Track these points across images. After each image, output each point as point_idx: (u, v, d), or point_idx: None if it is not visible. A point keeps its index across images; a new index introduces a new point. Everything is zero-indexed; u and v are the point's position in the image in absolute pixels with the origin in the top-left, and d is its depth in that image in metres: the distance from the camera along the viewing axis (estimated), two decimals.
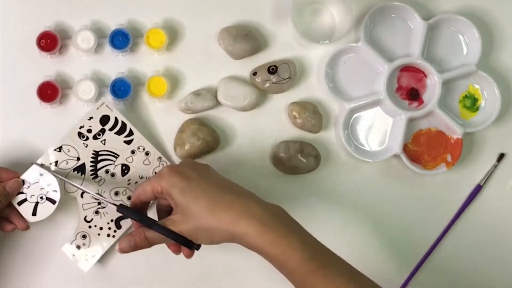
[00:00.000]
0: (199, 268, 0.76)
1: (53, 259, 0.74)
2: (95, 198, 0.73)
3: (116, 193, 0.75)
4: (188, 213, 0.61)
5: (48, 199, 0.70)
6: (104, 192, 0.74)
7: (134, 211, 0.67)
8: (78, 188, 0.71)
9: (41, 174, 0.71)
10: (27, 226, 0.70)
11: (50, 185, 0.71)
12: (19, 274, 0.74)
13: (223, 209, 0.60)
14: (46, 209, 0.70)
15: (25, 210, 0.70)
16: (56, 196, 0.71)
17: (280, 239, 0.59)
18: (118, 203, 0.67)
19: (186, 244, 0.63)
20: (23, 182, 0.70)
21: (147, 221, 0.65)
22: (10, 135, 0.75)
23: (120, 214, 0.74)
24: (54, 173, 0.71)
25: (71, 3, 0.77)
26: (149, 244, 0.64)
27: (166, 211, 0.67)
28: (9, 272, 0.74)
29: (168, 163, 0.76)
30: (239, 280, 0.77)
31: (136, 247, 0.63)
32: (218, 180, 0.65)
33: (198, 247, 0.65)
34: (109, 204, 0.69)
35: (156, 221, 0.64)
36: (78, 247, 0.73)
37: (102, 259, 0.74)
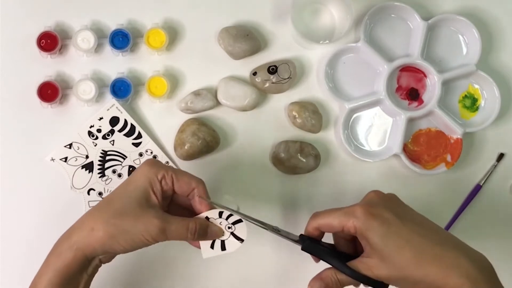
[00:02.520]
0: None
1: None
2: (281, 234, 0.64)
3: None
4: (388, 260, 0.58)
5: (234, 235, 0.64)
6: (110, 191, 0.75)
7: (324, 250, 0.62)
8: (259, 225, 0.64)
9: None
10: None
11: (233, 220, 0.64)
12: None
13: (431, 263, 0.57)
14: (232, 244, 0.64)
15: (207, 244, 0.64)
16: (243, 234, 0.64)
17: None
18: (299, 236, 0.62)
19: (379, 287, 0.59)
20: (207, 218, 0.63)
21: (340, 264, 0.60)
22: (10, 135, 0.75)
23: None
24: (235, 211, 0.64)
25: (71, 3, 0.77)
26: (341, 287, 0.61)
27: (346, 240, 0.64)
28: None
29: (175, 168, 0.76)
30: None
31: None
32: (416, 223, 0.60)
33: (386, 286, 0.61)
34: (289, 240, 0.63)
35: (344, 259, 0.60)
36: None
37: None
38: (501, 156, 0.80)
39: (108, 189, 0.75)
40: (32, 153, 0.75)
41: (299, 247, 0.63)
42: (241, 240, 0.63)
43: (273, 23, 0.79)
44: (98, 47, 0.76)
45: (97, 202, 0.74)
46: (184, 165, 0.76)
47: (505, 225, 0.80)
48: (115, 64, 0.76)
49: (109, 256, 0.61)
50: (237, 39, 0.75)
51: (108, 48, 0.76)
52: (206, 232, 0.62)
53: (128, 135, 0.76)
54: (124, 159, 0.76)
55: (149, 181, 0.60)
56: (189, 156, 0.75)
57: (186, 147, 0.74)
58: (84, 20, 0.76)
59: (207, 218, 0.63)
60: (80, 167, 0.75)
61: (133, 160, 0.76)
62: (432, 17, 0.78)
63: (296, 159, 0.75)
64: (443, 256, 0.58)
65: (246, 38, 0.76)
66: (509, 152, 0.81)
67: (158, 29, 0.75)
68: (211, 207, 0.63)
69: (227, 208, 0.63)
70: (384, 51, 0.78)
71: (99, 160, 0.75)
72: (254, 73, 0.77)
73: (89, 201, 0.75)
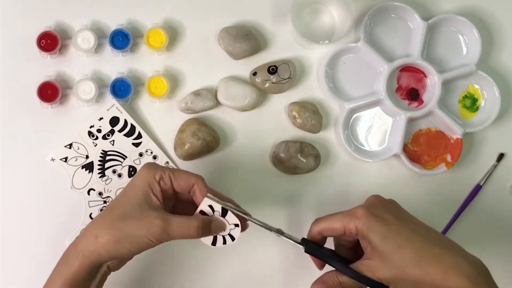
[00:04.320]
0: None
1: (55, 253, 0.74)
2: (288, 238, 0.64)
3: None
4: (389, 260, 0.58)
5: (230, 235, 0.64)
6: (110, 192, 0.75)
7: (327, 253, 0.63)
8: (262, 225, 0.64)
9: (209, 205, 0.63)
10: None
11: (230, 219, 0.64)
12: None
13: (431, 263, 0.58)
14: (230, 239, 0.64)
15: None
16: (237, 234, 0.64)
17: None
18: (301, 240, 0.63)
19: None
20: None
21: (342, 266, 0.61)
22: (10, 135, 0.75)
23: None
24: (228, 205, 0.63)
25: (71, 3, 0.77)
26: None
27: (347, 247, 0.65)
28: None
29: (173, 167, 0.76)
30: None
31: None
32: (416, 225, 0.62)
33: None
34: (292, 241, 0.63)
35: (346, 263, 0.61)
36: None
37: None
38: (501, 156, 0.80)
39: (108, 189, 0.75)
40: (32, 153, 0.75)
41: (301, 250, 0.63)
42: (233, 239, 0.64)
43: (273, 23, 0.79)
44: (98, 47, 0.76)
45: (97, 202, 0.75)
46: (184, 165, 0.76)
47: (505, 225, 0.80)
48: (115, 64, 0.76)
49: (117, 263, 0.61)
50: (237, 39, 0.75)
51: (108, 48, 0.76)
52: (210, 228, 0.62)
53: (128, 135, 0.76)
54: (124, 159, 0.76)
55: (148, 183, 0.61)
56: (189, 156, 0.75)
57: (186, 147, 0.74)
58: (84, 20, 0.76)
59: (203, 212, 0.62)
60: (80, 167, 0.75)
61: (133, 160, 0.76)
62: (432, 17, 0.78)
63: (296, 159, 0.75)
64: (442, 256, 0.58)
65: (246, 38, 0.76)
66: (509, 152, 0.81)
67: (158, 29, 0.75)
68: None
69: (230, 206, 0.63)
70: (384, 51, 0.78)
71: (99, 160, 0.75)
72: (254, 73, 0.77)
73: (89, 201, 0.75)
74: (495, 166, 0.80)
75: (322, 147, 0.78)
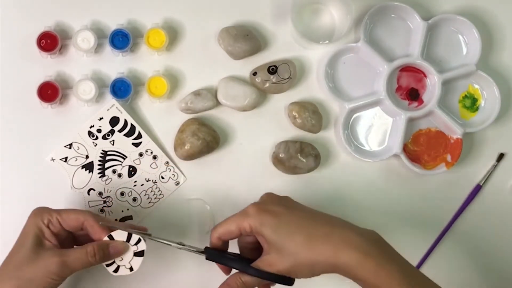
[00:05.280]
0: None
1: None
2: (174, 246, 0.66)
3: (122, 194, 0.75)
4: (284, 250, 0.60)
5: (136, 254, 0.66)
6: (110, 192, 0.75)
7: (227, 256, 0.64)
8: (162, 242, 0.65)
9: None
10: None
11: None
12: None
13: (321, 241, 0.59)
14: (136, 262, 0.66)
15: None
16: (137, 263, 0.65)
17: (381, 268, 0.58)
18: (203, 249, 0.64)
19: (285, 282, 0.61)
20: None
21: (243, 266, 0.62)
22: (10, 135, 0.75)
23: (125, 215, 0.75)
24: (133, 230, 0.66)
25: (71, 3, 0.77)
26: None
27: (250, 248, 0.66)
28: None
29: (175, 169, 0.76)
30: None
31: None
32: (306, 211, 0.64)
33: (293, 281, 0.63)
34: (194, 252, 0.65)
35: (248, 263, 0.62)
36: None
37: None
38: (501, 156, 0.80)
39: (108, 189, 0.75)
40: (32, 153, 0.75)
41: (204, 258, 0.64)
42: (142, 255, 0.65)
43: (273, 23, 0.79)
44: (98, 47, 0.76)
45: (97, 202, 0.75)
46: (184, 165, 0.76)
47: (505, 225, 0.80)
48: (115, 64, 0.76)
49: None
50: (237, 39, 0.75)
51: (108, 48, 0.76)
52: (108, 251, 0.64)
53: (128, 135, 0.76)
54: (124, 159, 0.76)
55: (38, 229, 0.63)
56: (189, 156, 0.75)
57: (186, 147, 0.74)
58: (84, 20, 0.76)
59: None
60: (80, 167, 0.75)
61: (133, 160, 0.76)
62: (432, 17, 0.78)
63: (296, 159, 0.75)
64: (331, 234, 0.60)
65: (246, 38, 0.76)
66: (509, 152, 0.81)
67: (158, 29, 0.75)
68: (108, 230, 0.64)
69: (125, 229, 0.65)
70: (384, 51, 0.78)
71: (99, 160, 0.75)
72: (254, 73, 0.77)
73: (89, 201, 0.75)
74: (495, 166, 0.80)
75: (322, 147, 0.78)
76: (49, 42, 0.74)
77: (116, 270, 0.65)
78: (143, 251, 0.65)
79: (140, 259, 0.65)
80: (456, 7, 0.81)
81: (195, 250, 0.65)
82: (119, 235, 0.65)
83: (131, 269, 0.65)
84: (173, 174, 0.76)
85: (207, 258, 0.64)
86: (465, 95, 0.80)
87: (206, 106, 0.76)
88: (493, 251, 0.80)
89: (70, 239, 0.66)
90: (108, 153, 0.75)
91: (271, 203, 0.63)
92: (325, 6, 0.79)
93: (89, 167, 0.75)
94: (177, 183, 0.76)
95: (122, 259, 0.65)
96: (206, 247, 0.65)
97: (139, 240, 0.65)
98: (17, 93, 0.75)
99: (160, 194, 0.76)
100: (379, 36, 0.79)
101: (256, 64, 0.78)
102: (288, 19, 0.76)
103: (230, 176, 0.77)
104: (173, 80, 0.77)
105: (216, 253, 0.65)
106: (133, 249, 0.65)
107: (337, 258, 0.58)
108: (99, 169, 0.75)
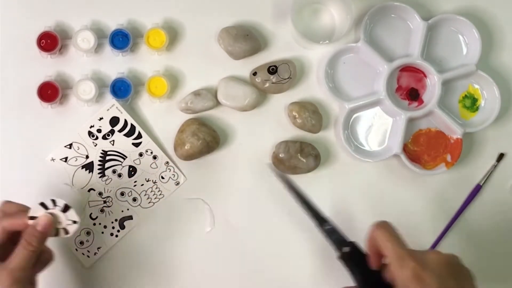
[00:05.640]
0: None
1: (55, 253, 0.74)
2: None
3: (122, 194, 0.75)
4: None
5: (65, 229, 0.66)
6: (110, 192, 0.75)
7: (362, 270, 0.59)
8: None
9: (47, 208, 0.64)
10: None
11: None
12: None
13: None
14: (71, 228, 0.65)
15: None
16: (75, 216, 0.65)
17: None
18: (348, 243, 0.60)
19: None
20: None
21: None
22: (11, 135, 0.75)
23: (125, 215, 0.75)
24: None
25: (71, 3, 0.77)
26: None
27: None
28: None
29: (175, 169, 0.76)
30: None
31: None
32: None
33: None
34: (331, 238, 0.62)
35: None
36: (82, 243, 0.74)
37: (104, 257, 0.75)
38: (501, 156, 0.80)
39: (108, 189, 0.75)
40: (32, 153, 0.75)
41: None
42: (76, 222, 0.65)
43: (273, 23, 0.79)
44: (98, 47, 0.76)
45: (97, 202, 0.75)
46: (184, 165, 0.76)
47: (505, 225, 0.80)
48: (115, 64, 0.76)
49: None
50: (237, 39, 0.75)
51: (108, 48, 0.76)
52: (38, 231, 0.61)
53: (128, 135, 0.76)
54: (124, 159, 0.76)
55: None
56: (189, 156, 0.75)
57: (186, 147, 0.74)
58: (84, 20, 0.76)
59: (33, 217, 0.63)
60: (80, 167, 0.75)
61: (133, 160, 0.76)
62: (432, 17, 0.78)
63: (296, 159, 0.75)
64: None
65: (246, 38, 0.76)
66: (509, 152, 0.81)
67: (158, 29, 0.75)
68: (25, 213, 0.63)
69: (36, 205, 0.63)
70: (384, 51, 0.78)
71: (99, 160, 0.75)
72: (254, 73, 0.77)
73: (89, 201, 0.75)
74: (495, 166, 0.80)
75: (322, 147, 0.78)
76: (49, 42, 0.74)
77: (56, 234, 0.65)
78: (75, 221, 0.64)
79: (75, 226, 0.64)
80: (456, 7, 0.81)
81: (335, 239, 0.61)
82: (37, 209, 0.63)
83: (66, 232, 0.65)
84: (173, 174, 0.76)
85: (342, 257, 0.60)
86: (465, 95, 0.80)
87: (206, 106, 0.76)
88: (493, 251, 0.80)
89: (8, 240, 0.63)
90: (108, 153, 0.75)
91: (430, 272, 0.53)
92: (325, 6, 0.79)
93: (89, 167, 0.75)
94: (177, 183, 0.76)
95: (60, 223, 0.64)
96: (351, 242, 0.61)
97: (66, 207, 0.64)
98: (17, 93, 0.75)
99: (160, 194, 0.76)
100: (379, 36, 0.79)
101: (256, 64, 0.78)
102: (288, 19, 0.76)
103: (230, 176, 0.77)
104: (173, 80, 0.77)
105: (353, 256, 0.59)
106: (64, 215, 0.64)
107: None
108: (99, 169, 0.75)
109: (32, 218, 0.63)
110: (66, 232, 0.65)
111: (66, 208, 0.64)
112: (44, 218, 0.63)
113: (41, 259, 0.63)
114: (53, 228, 0.64)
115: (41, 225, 0.62)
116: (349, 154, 0.77)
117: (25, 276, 0.60)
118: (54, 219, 0.63)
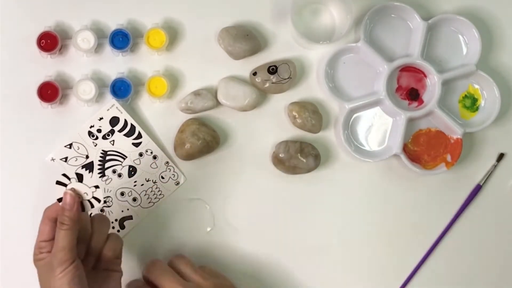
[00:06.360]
0: None
1: None
2: None
3: (122, 194, 0.75)
4: None
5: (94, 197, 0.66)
6: (110, 191, 0.75)
7: None
8: None
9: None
10: None
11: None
12: None
13: None
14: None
15: None
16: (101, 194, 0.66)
17: None
18: None
19: None
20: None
21: None
22: (10, 135, 0.75)
23: (125, 215, 0.75)
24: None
25: (71, 3, 0.77)
26: None
27: None
28: None
29: (175, 169, 0.76)
30: None
31: None
32: None
33: None
34: None
35: None
36: None
37: None
38: (501, 156, 0.80)
39: (108, 189, 0.75)
40: (32, 153, 0.75)
41: None
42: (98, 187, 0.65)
43: (273, 23, 0.79)
44: (98, 47, 0.76)
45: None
46: (184, 165, 0.77)
47: (505, 225, 0.80)
48: (115, 64, 0.76)
49: None
50: (237, 39, 0.75)
51: (108, 48, 0.76)
52: (68, 210, 0.63)
53: (128, 135, 0.76)
54: (124, 159, 0.76)
55: None
56: (189, 156, 0.75)
57: (186, 147, 0.74)
58: (84, 20, 0.76)
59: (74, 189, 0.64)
60: (80, 167, 0.75)
61: (133, 160, 0.76)
62: (432, 17, 0.78)
63: (296, 159, 0.75)
64: None
65: (246, 38, 0.76)
66: (509, 152, 0.81)
67: (158, 29, 0.75)
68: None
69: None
70: (384, 51, 0.78)
71: (99, 160, 0.75)
72: (254, 73, 0.77)
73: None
74: (495, 166, 0.80)
75: (322, 147, 0.78)
76: (49, 42, 0.74)
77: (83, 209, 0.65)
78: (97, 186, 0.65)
79: (99, 191, 0.65)
80: (456, 7, 0.81)
81: None
82: (60, 191, 0.64)
83: (98, 200, 0.65)
84: (173, 174, 0.76)
85: None
86: (465, 95, 0.80)
87: (206, 106, 0.76)
88: (493, 251, 0.80)
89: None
90: (108, 153, 0.75)
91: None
92: (325, 6, 0.79)
93: (89, 167, 0.75)
94: (177, 183, 0.76)
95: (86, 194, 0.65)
96: None
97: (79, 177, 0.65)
98: (17, 93, 0.75)
99: (160, 194, 0.76)
100: (379, 36, 0.79)
101: (256, 64, 0.78)
102: (288, 19, 0.76)
103: (230, 176, 0.77)
104: (173, 80, 0.77)
105: None
106: (83, 185, 0.65)
107: None
108: (99, 169, 0.75)
109: (60, 200, 0.64)
110: (98, 200, 0.65)
111: (80, 178, 0.65)
112: (65, 196, 0.64)
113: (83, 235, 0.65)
114: (81, 201, 0.65)
115: (65, 203, 0.64)
116: (349, 154, 0.77)
117: (67, 255, 0.61)
118: (76, 193, 0.64)
